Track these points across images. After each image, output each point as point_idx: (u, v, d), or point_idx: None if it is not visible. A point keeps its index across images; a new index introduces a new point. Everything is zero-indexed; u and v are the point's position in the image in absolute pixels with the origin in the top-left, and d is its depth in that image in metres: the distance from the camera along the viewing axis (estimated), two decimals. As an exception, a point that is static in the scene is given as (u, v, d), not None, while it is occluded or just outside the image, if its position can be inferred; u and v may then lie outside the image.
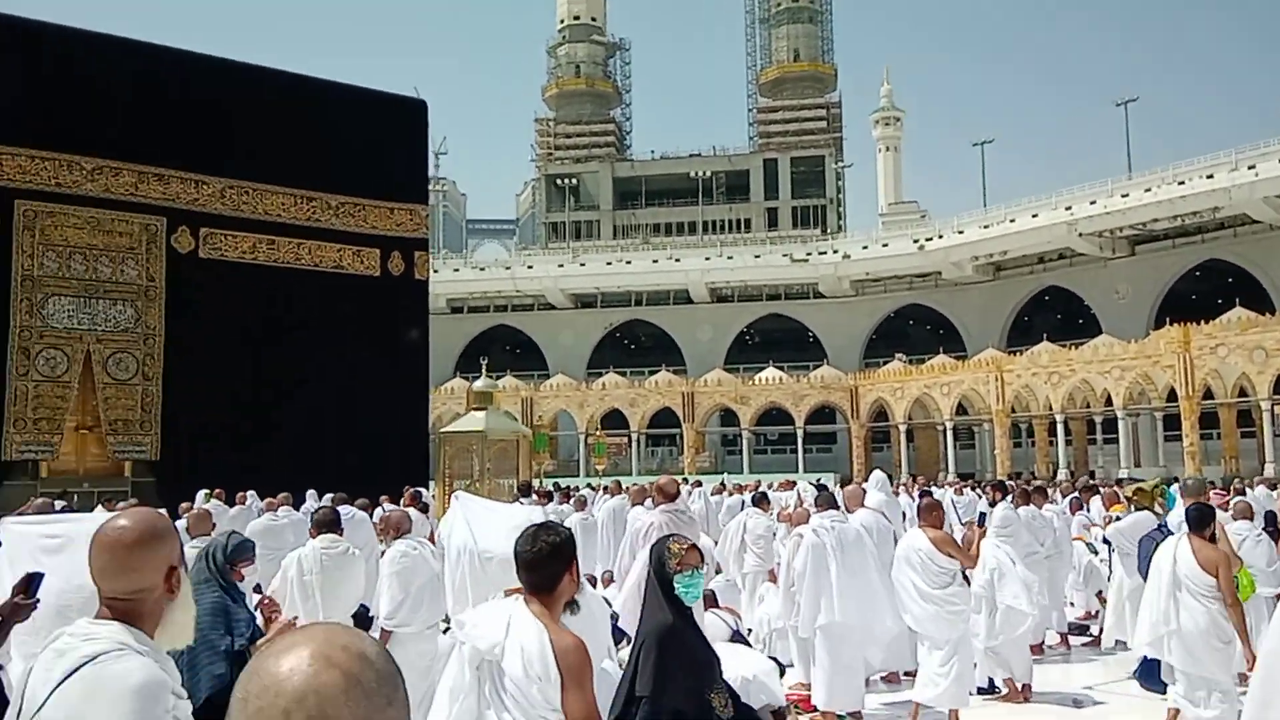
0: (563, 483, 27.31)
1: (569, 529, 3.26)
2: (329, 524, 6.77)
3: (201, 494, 15.21)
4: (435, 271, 39.01)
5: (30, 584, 3.14)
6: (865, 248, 57.63)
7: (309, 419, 20.69)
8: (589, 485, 25.39)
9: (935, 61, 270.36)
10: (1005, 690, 8.38)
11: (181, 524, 10.62)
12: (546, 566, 3.02)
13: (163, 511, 2.57)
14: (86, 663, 1.94)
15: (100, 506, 11.22)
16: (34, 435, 19.16)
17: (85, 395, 19.82)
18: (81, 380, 19.69)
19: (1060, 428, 42.53)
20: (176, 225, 21.06)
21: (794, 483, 23.79)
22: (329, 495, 15.34)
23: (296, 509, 14.23)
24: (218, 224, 21.59)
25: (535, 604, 2.99)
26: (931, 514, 7.67)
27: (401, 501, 12.90)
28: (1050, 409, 42.37)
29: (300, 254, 22.63)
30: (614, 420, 51.50)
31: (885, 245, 56.86)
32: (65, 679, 1.94)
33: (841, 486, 18.04)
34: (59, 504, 9.91)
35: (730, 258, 59.87)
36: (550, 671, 2.85)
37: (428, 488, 18.69)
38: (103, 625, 2.02)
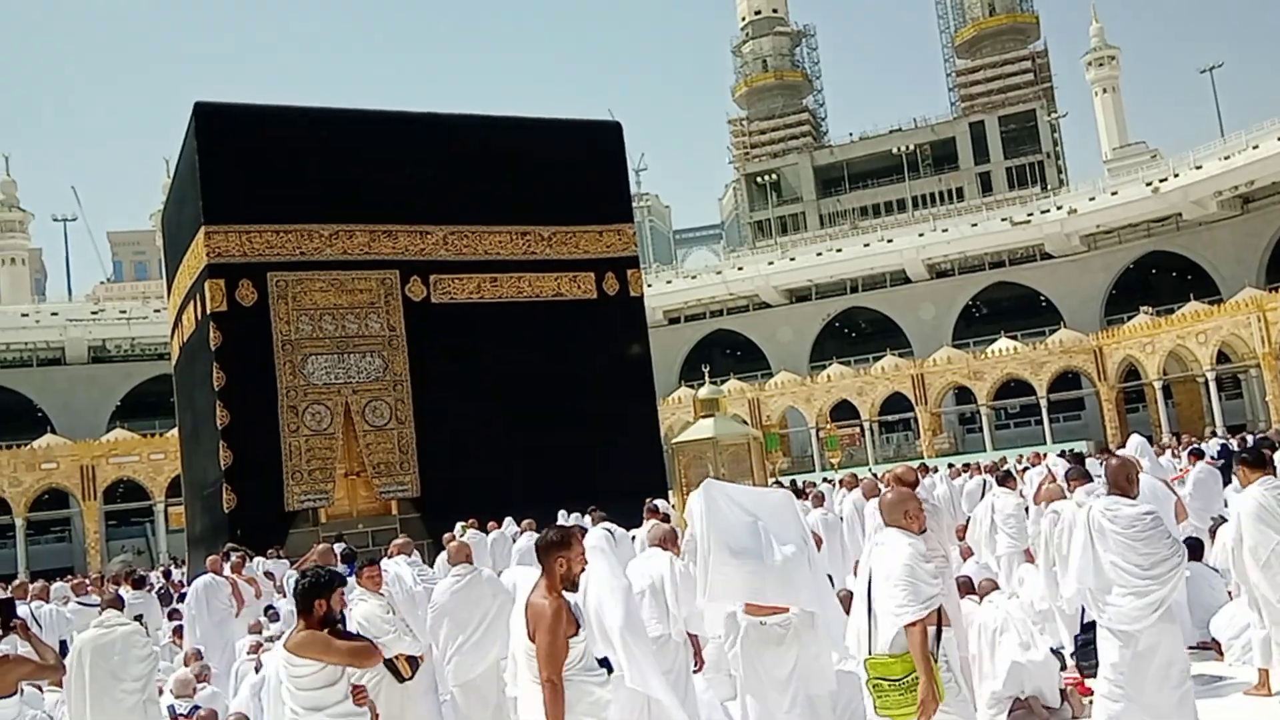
0: (798, 480, 27.18)
1: None
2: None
3: (459, 526, 16.12)
4: (649, 286, 39.83)
5: None
6: (1092, 199, 54.05)
7: (547, 442, 21.56)
8: (824, 479, 25.12)
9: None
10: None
11: (444, 556, 11.36)
12: None
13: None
14: None
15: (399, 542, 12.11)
16: (310, 485, 20.98)
17: (349, 443, 21.51)
18: (344, 430, 21.40)
19: (1345, 365, 38.34)
20: (409, 276, 22.53)
21: (1041, 456, 22.65)
22: (579, 514, 15.98)
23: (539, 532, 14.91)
24: (444, 270, 22.92)
25: None
26: None
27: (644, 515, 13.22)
28: (1330, 346, 38.27)
29: (521, 287, 23.66)
30: (843, 411, 50.69)
31: (1114, 193, 53.11)
32: None
33: (1099, 454, 17.02)
34: (338, 547, 10.82)
35: (945, 230, 57.70)
36: None
37: (666, 499, 19.07)
38: None
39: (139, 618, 10.26)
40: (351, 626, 6.78)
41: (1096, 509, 5.64)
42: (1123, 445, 21.04)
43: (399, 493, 21.67)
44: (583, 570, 4.57)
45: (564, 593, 4.44)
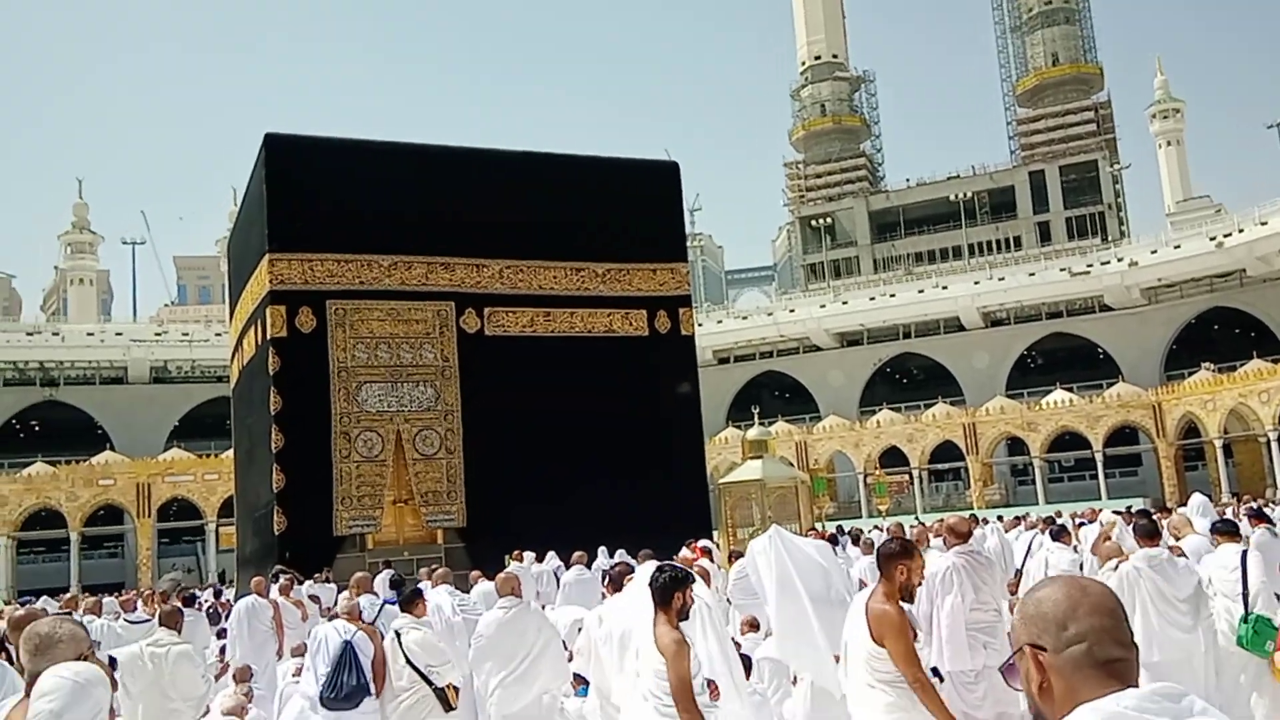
0: (845, 525, 26.89)
1: None
2: (623, 581, 7.04)
3: (510, 560, 16.11)
4: (700, 325, 39.82)
5: None
6: (1154, 252, 53.22)
7: (595, 478, 21.56)
8: (875, 527, 24.81)
9: (1212, 43, 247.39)
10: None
11: (484, 588, 11.38)
12: None
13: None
14: None
15: (424, 571, 12.17)
16: (359, 511, 21.19)
17: (399, 471, 21.71)
18: (394, 458, 21.60)
19: None
20: (464, 308, 22.80)
21: (1096, 512, 22.18)
22: (623, 550, 15.94)
23: (588, 567, 14.90)
24: (499, 303, 23.17)
25: None
26: None
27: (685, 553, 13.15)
28: (1400, 410, 37.13)
29: (574, 322, 23.82)
30: (892, 458, 50.11)
31: (1177, 247, 52.27)
32: None
33: (1158, 512, 16.64)
34: (388, 573, 10.88)
35: (1002, 279, 57.09)
36: None
37: (711, 538, 18.96)
38: None
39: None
40: (395, 654, 6.81)
41: None
42: (1183, 504, 20.54)
43: (445, 522, 21.79)
44: (920, 582, 4.87)
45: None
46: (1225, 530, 7.75)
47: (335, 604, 11.29)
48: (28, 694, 3.08)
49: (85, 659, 3.13)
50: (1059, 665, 1.65)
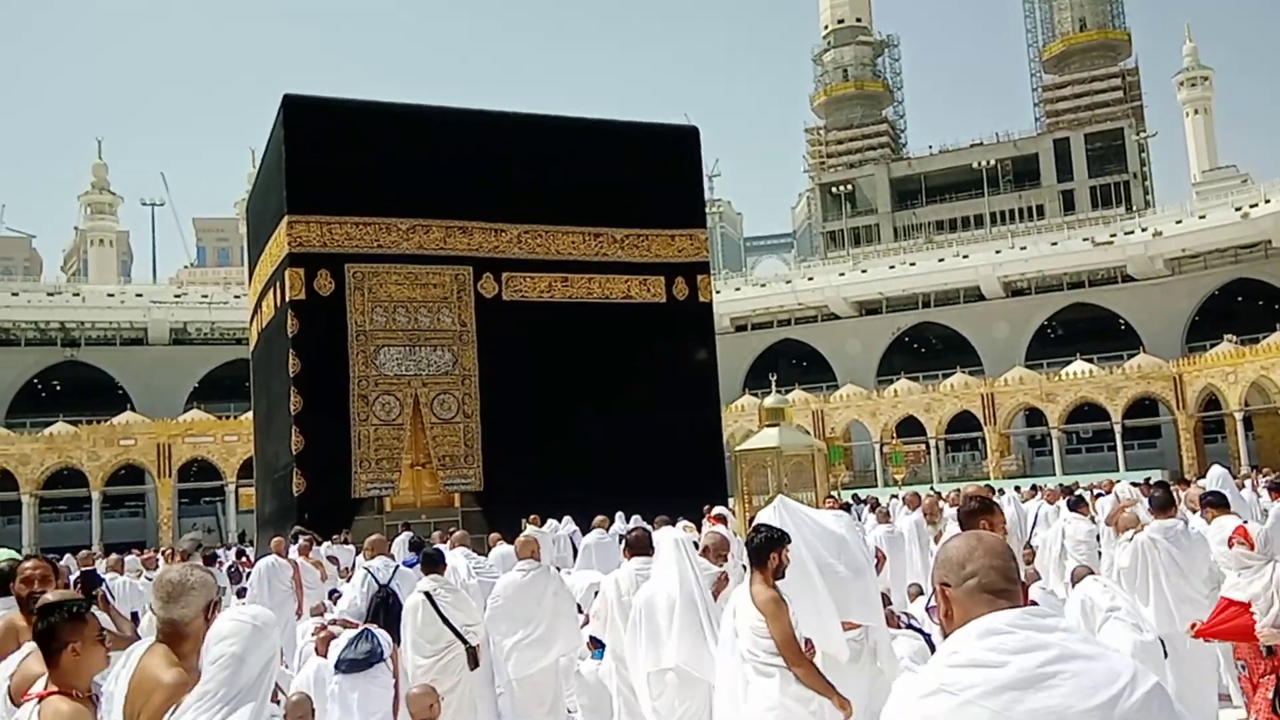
0: (860, 494, 26.91)
1: None
2: (641, 545, 7.07)
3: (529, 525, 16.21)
4: (718, 292, 39.66)
5: None
6: (1179, 222, 52.58)
7: (611, 443, 21.64)
8: (893, 496, 24.81)
9: (1242, 10, 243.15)
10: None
11: (503, 550, 11.47)
12: None
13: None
14: None
15: (436, 534, 12.27)
16: (377, 474, 21.34)
17: (416, 435, 21.84)
18: (412, 421, 21.72)
19: None
20: (482, 272, 22.80)
21: (1113, 483, 22.11)
22: (638, 517, 16.01)
23: (608, 530, 15.00)
24: (517, 268, 23.16)
25: None
26: None
27: (705, 521, 13.21)
28: None
29: (591, 288, 23.79)
30: (909, 427, 49.99)
31: (1202, 217, 51.61)
32: None
33: (1176, 484, 16.57)
34: (406, 535, 10.96)
35: (1024, 248, 56.62)
36: None
37: (727, 505, 19.00)
38: None
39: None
40: (430, 615, 6.89)
41: None
42: (1201, 476, 20.45)
43: (462, 486, 21.93)
44: (1005, 536, 4.83)
45: None
46: (1215, 503, 7.50)
47: (353, 565, 11.39)
48: (161, 640, 3.17)
49: (216, 605, 3.21)
50: (958, 596, 2.11)
